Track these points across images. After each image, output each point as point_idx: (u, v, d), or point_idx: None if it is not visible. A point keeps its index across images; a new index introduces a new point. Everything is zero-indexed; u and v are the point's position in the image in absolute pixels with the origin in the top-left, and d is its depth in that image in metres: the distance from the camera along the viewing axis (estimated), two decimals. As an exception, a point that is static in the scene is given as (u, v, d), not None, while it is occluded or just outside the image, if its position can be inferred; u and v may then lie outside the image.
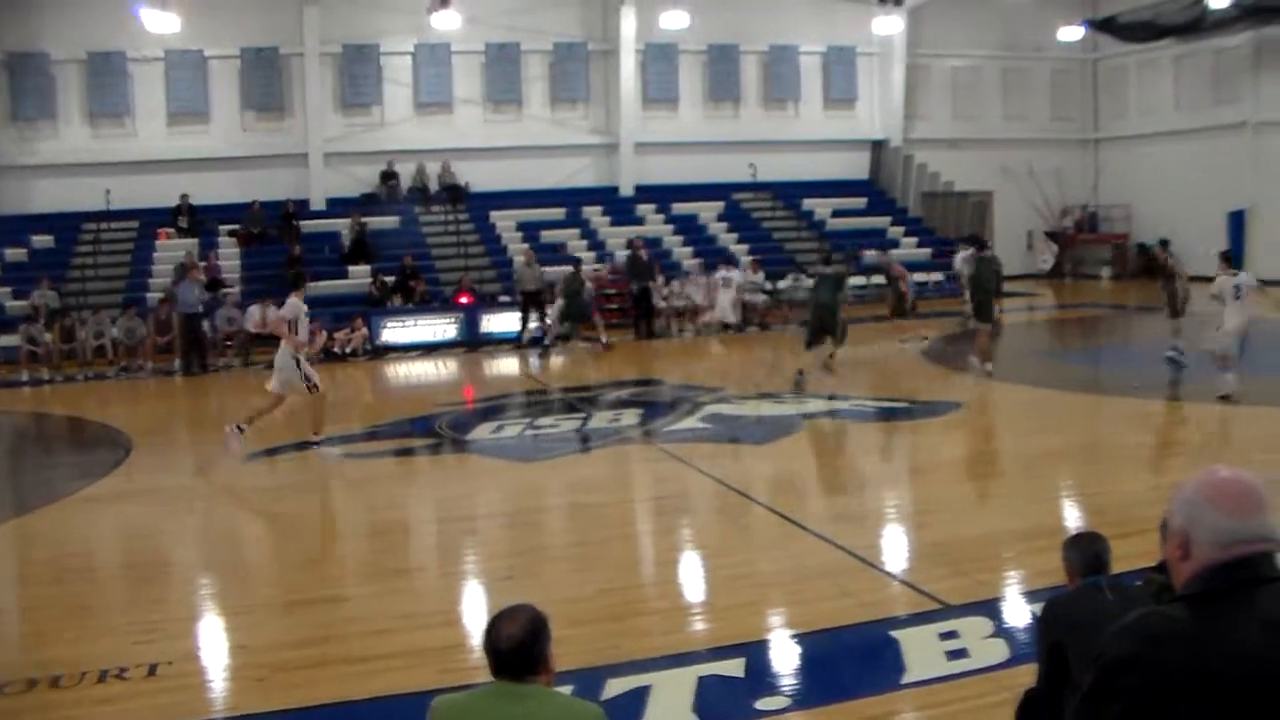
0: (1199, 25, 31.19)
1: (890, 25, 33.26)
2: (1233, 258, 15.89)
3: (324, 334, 18.98)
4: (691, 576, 9.36)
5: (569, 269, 24.65)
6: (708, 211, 32.40)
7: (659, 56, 32.81)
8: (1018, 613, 7.79)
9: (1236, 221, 33.06)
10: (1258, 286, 15.97)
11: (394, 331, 24.67)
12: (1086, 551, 5.02)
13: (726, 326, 25.28)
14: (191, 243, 27.02)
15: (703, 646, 7.40)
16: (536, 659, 3.71)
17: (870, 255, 29.17)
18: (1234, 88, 33.79)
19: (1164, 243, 20.82)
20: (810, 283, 20.71)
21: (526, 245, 28.27)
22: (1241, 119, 33.21)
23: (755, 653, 7.24)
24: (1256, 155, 32.58)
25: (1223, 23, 30.78)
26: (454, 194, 30.58)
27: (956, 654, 7.09)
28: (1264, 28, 31.31)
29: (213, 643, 7.98)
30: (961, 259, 23.25)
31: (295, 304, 14.26)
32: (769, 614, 8.11)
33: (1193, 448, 13.87)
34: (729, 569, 9.15)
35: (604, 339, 23.73)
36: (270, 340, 23.01)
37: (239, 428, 13.97)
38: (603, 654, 7.11)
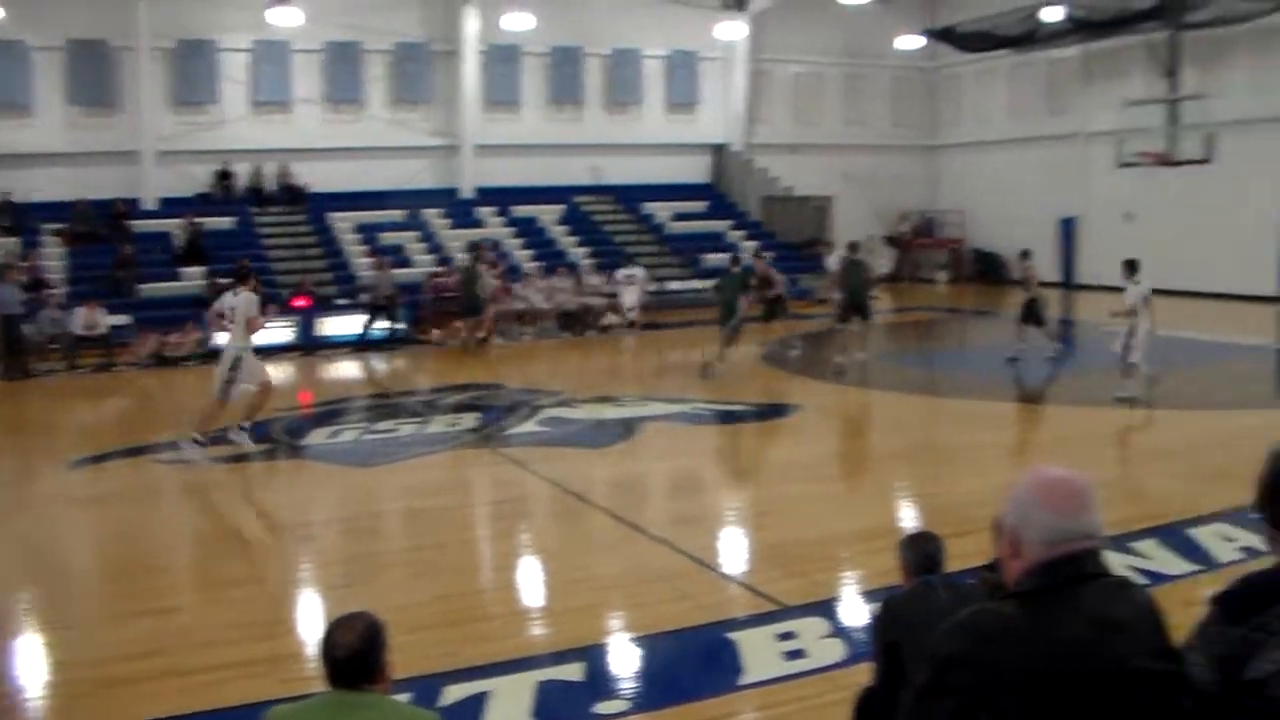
0: (1033, 37, 32.11)
1: (733, 30, 33.60)
2: (1135, 265, 16.23)
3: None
4: (530, 581, 9.34)
5: (466, 259, 24.62)
6: (548, 214, 32.27)
7: (501, 58, 32.62)
8: (854, 612, 7.94)
9: (1067, 228, 34.23)
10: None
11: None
12: (920, 551, 5.14)
13: (632, 324, 25.36)
14: (12, 241, 26.00)
15: (542, 651, 7.40)
16: (373, 667, 3.66)
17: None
18: (1065, 98, 34.98)
19: (1025, 254, 21.44)
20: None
21: (366, 247, 28.01)
22: (1072, 129, 34.36)
23: (594, 657, 7.26)
24: (1086, 164, 33.72)
25: (1055, 35, 31.75)
26: (292, 195, 30.01)
27: (794, 654, 7.20)
28: (1093, 41, 32.44)
29: (32, 660, 7.68)
30: (834, 260, 23.81)
31: (251, 298, 13.90)
32: (608, 618, 8.13)
33: (1029, 448, 14.25)
34: (567, 573, 9.16)
35: (480, 335, 23.89)
36: (97, 343, 22.42)
37: (242, 427, 13.87)
38: (441, 661, 7.06)
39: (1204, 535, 9.47)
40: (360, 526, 11.08)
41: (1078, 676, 2.71)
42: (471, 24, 31.34)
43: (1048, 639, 2.73)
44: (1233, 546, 9.09)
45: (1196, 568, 8.73)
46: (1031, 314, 20.16)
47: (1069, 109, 34.75)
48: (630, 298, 24.73)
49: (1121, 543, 8.92)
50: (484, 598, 8.83)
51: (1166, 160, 25.91)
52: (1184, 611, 3.28)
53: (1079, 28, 30.90)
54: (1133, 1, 27.77)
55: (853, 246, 21.51)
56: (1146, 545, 9.17)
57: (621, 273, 25.30)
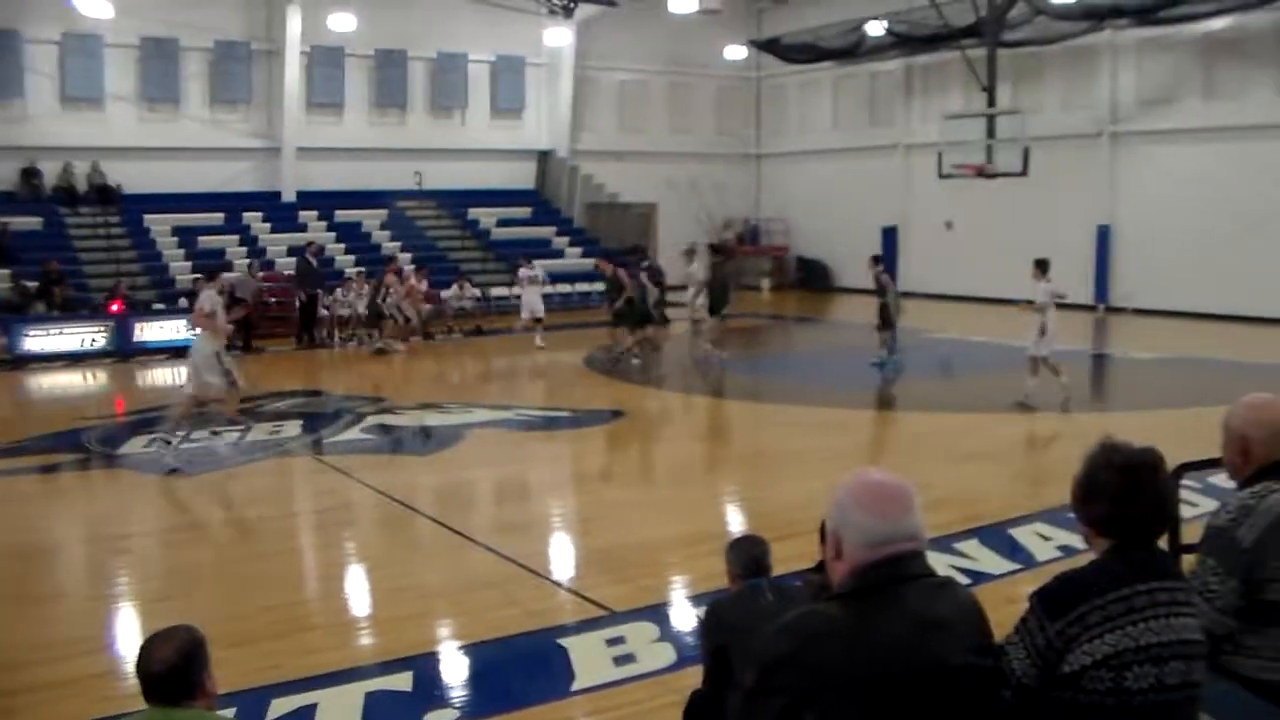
0: (856, 50, 32.94)
1: (559, 37, 33.69)
2: (1046, 265, 16.69)
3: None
4: (356, 590, 9.21)
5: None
6: (371, 219, 31.95)
7: (325, 60, 32.10)
8: (683, 617, 8.02)
9: (889, 237, 35.07)
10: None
11: (36, 340, 23.20)
12: (746, 554, 5.17)
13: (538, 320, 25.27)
14: None
15: (369, 661, 7.31)
16: (192, 682, 3.56)
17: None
18: (888, 111, 36.06)
19: (877, 258, 21.81)
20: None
21: (184, 250, 27.26)
22: (894, 141, 35.44)
23: (423, 666, 7.19)
24: (906, 175, 34.74)
25: (878, 49, 32.64)
26: (105, 195, 29.03)
27: (624, 659, 7.24)
28: (914, 56, 33.43)
29: None
30: (700, 266, 24.27)
31: (213, 296, 13.87)
32: (436, 626, 8.07)
33: (854, 452, 14.48)
34: (394, 581, 9.05)
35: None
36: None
37: (165, 440, 13.35)
38: (266, 674, 6.92)
39: (1023, 535, 9.81)
40: (179, 537, 10.79)
41: (900, 674, 2.78)
42: (294, 23, 30.72)
43: (870, 639, 2.80)
44: (1051, 545, 9.43)
45: (1017, 566, 9.03)
46: (884, 317, 20.63)
47: (891, 121, 35.82)
48: (533, 295, 24.59)
49: (945, 544, 9.19)
50: (309, 608, 8.67)
51: (984, 172, 26.74)
52: (1006, 609, 3.40)
53: (900, 42, 31.80)
54: (952, 19, 28.60)
55: (716, 250, 22.21)
56: (969, 545, 9.45)
57: (523, 272, 25.15)
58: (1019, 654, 3.13)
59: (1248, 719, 4.02)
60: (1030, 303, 16.56)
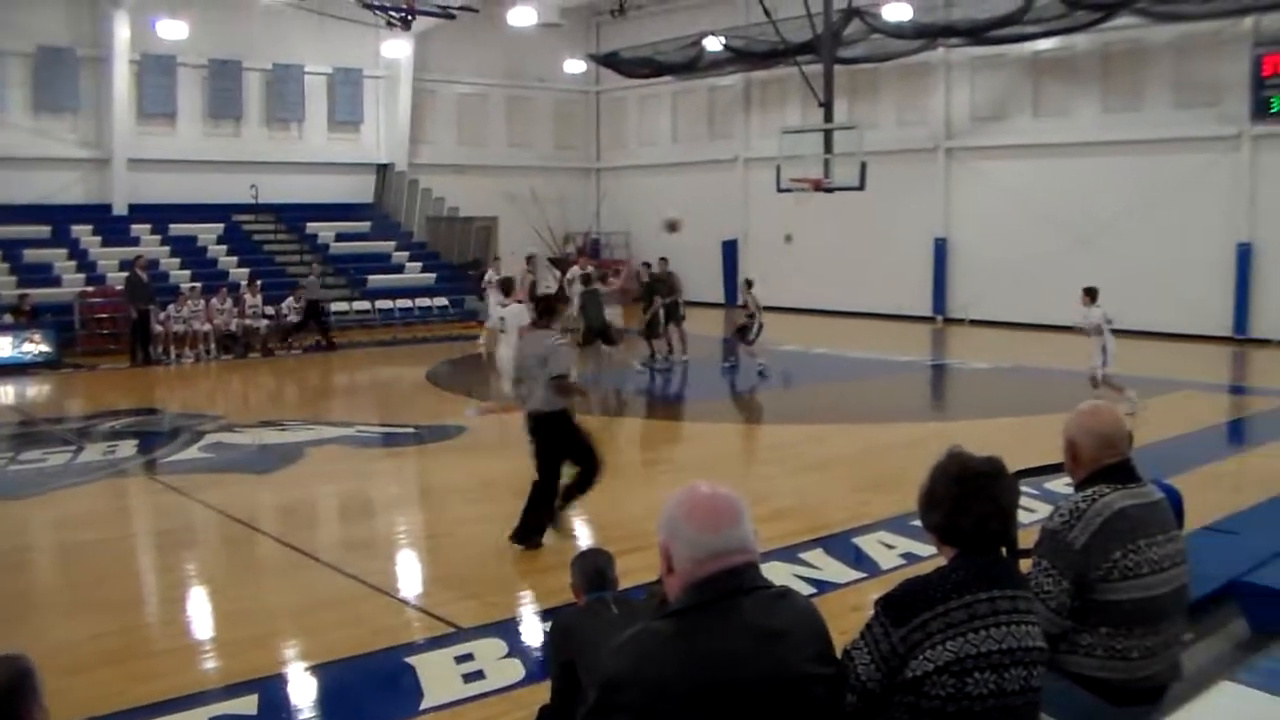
0: (695, 65, 33.34)
1: (397, 49, 33.41)
2: (1095, 292, 16.99)
3: None
4: (197, 613, 8.98)
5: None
6: (207, 233, 31.13)
7: (156, 68, 31.22)
8: (530, 632, 8.04)
9: (729, 250, 35.52)
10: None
11: None
12: (590, 568, 5.21)
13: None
14: None
15: (213, 686, 7.15)
16: (19, 715, 3.43)
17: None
18: (726, 125, 36.56)
19: (749, 282, 22.32)
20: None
21: (7, 264, 26.32)
22: (733, 154, 35.94)
23: (268, 688, 7.07)
24: (746, 189, 35.24)
25: (716, 64, 33.07)
26: (-81, 207, 27.88)
27: (473, 676, 7.21)
28: (752, 71, 33.93)
29: None
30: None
31: (521, 309, 15.83)
32: (280, 647, 7.92)
33: (696, 464, 14.57)
34: (236, 603, 8.87)
35: None
36: None
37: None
38: (105, 702, 6.73)
39: (867, 543, 9.95)
40: (6, 562, 10.40)
41: (739, 686, 2.81)
42: (122, 30, 29.79)
43: (706, 653, 2.81)
44: (894, 553, 9.60)
45: (861, 575, 9.16)
46: (741, 332, 21.02)
47: (730, 135, 36.33)
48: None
49: (790, 554, 9.31)
50: (149, 633, 8.43)
51: (822, 186, 27.16)
52: (850, 616, 3.49)
53: (738, 58, 32.27)
54: (789, 35, 29.08)
55: (587, 279, 22.24)
56: (814, 555, 9.56)
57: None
58: (864, 659, 3.20)
59: (1081, 716, 4.16)
60: (1084, 330, 16.91)
